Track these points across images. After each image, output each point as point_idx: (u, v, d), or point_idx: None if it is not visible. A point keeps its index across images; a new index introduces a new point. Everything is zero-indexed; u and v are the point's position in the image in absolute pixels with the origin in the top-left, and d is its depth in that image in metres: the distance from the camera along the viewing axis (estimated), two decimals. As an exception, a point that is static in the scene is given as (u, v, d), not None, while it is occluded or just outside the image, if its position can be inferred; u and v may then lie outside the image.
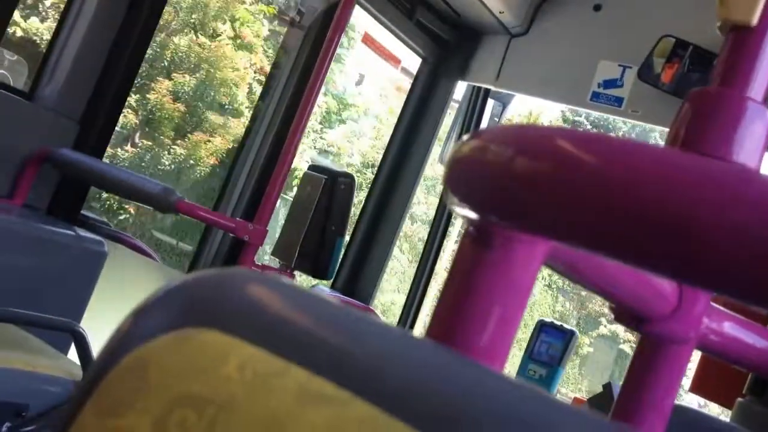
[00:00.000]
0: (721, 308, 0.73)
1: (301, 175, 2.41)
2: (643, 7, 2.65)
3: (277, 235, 2.30)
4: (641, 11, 2.65)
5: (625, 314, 0.67)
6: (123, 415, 0.31)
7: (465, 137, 0.46)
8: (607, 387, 1.87)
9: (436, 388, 0.30)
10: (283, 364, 0.30)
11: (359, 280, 2.94)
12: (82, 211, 2.24)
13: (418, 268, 3.09)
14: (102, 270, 2.05)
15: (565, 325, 2.18)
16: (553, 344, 2.13)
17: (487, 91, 3.07)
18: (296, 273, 2.14)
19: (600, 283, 0.60)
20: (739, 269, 0.35)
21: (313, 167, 2.22)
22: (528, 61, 2.86)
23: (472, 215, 0.46)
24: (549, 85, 2.82)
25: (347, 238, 2.57)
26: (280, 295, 0.34)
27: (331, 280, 2.86)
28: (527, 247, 0.49)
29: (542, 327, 2.17)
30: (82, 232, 2.03)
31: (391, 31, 2.95)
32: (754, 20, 0.69)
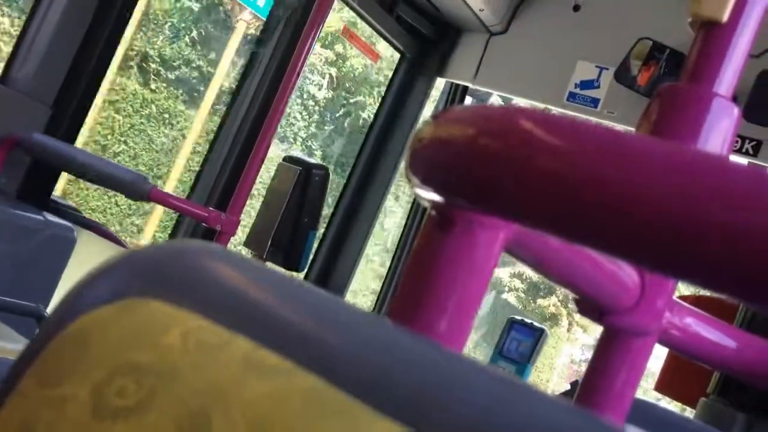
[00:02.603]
0: (684, 304, 0.73)
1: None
2: (621, 8, 2.67)
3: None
4: (620, 13, 2.66)
5: (587, 306, 0.67)
6: (62, 384, 0.30)
7: (428, 118, 0.46)
8: (575, 384, 1.88)
9: (384, 361, 0.30)
10: (228, 335, 0.30)
11: (332, 273, 2.93)
12: (53, 197, 2.21)
13: (394, 255, 3.09)
14: (71, 256, 2.03)
15: (536, 323, 2.19)
16: (523, 342, 2.14)
17: (466, 89, 3.07)
18: (268, 264, 2.13)
19: (562, 273, 0.60)
20: (706, 255, 0.35)
21: (288, 158, 2.21)
22: (506, 59, 2.87)
23: (434, 197, 0.46)
24: (526, 84, 2.83)
25: (321, 230, 2.56)
26: (229, 266, 0.34)
27: (304, 273, 2.84)
28: (489, 232, 0.49)
29: (513, 324, 2.18)
30: (52, 218, 2.00)
31: (371, 26, 2.95)
32: (725, 17, 0.69)
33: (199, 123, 8.09)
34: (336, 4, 2.40)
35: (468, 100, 3.10)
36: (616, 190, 0.37)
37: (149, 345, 0.30)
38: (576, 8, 2.75)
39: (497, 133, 0.41)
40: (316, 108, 9.57)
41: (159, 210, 7.67)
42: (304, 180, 2.10)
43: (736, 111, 0.70)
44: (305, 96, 9.22)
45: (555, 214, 0.39)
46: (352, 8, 2.84)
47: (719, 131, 0.68)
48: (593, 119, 2.76)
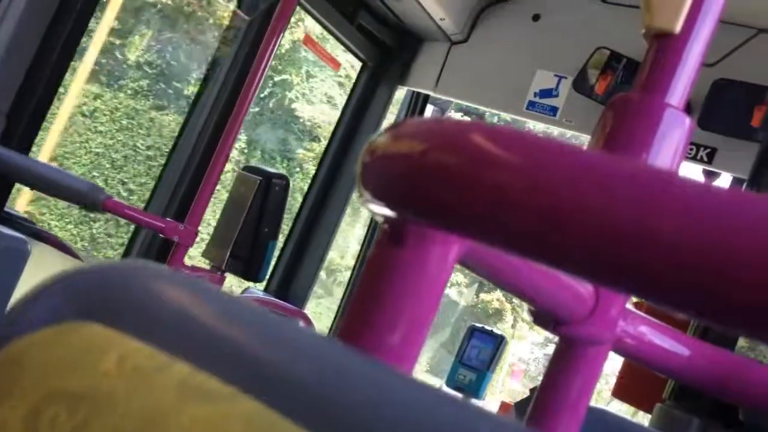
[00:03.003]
0: (638, 312, 0.74)
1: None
2: (580, 18, 2.70)
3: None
4: (578, 22, 2.69)
5: (542, 316, 0.67)
6: None
7: (380, 130, 0.46)
8: (534, 391, 1.89)
9: (329, 384, 0.29)
10: (167, 359, 0.29)
11: (293, 283, 2.91)
12: (6, 208, 2.16)
13: (352, 271, 3.08)
14: (24, 269, 1.98)
15: (495, 330, 2.20)
16: (483, 349, 2.14)
17: (427, 97, 3.08)
18: (227, 275, 2.11)
19: (517, 285, 0.60)
20: (655, 271, 0.35)
21: (248, 168, 2.20)
22: (467, 68, 2.89)
23: (386, 212, 0.45)
24: (487, 93, 2.85)
25: (281, 240, 2.55)
26: (172, 288, 0.33)
27: (265, 283, 2.82)
28: (441, 246, 0.49)
29: (473, 332, 2.18)
30: (4, 230, 1.95)
31: (332, 34, 2.94)
32: (677, 28, 0.70)
33: (76, 89, 7.34)
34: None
35: (429, 109, 3.11)
36: (567, 206, 0.37)
37: (85, 370, 0.29)
38: (535, 18, 2.78)
39: (448, 148, 0.41)
40: (240, 89, 8.93)
41: (28, 193, 7.01)
42: (264, 189, 2.08)
43: (687, 121, 0.70)
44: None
45: (505, 231, 0.38)
46: (313, 17, 2.84)
47: (671, 141, 0.69)
48: (552, 127, 2.79)
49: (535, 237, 0.38)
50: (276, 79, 9.22)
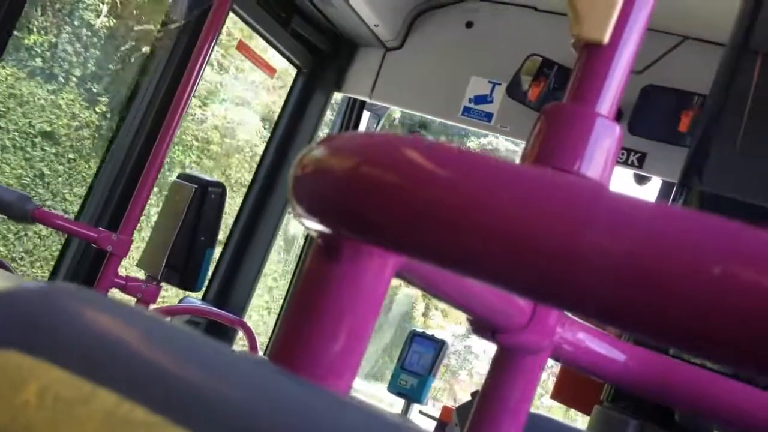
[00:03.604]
0: (575, 318, 0.74)
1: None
2: (512, 25, 2.74)
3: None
4: (511, 30, 2.73)
5: (480, 325, 0.68)
6: None
7: (312, 144, 0.45)
8: (475, 395, 1.90)
9: (262, 411, 0.28)
10: (90, 388, 0.28)
11: (231, 292, 2.88)
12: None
13: (289, 285, 3.06)
14: (-52, 283, 1.91)
15: (437, 335, 2.21)
16: (424, 354, 2.15)
17: (363, 104, 3.08)
18: (163, 285, 2.07)
19: (455, 297, 0.60)
20: (585, 288, 0.35)
21: (183, 176, 2.16)
22: (402, 74, 2.90)
23: (319, 227, 0.45)
24: (422, 99, 2.86)
25: (218, 248, 2.51)
26: (98, 312, 0.32)
27: (202, 292, 2.78)
28: (378, 260, 0.48)
29: (414, 337, 2.19)
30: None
31: (266, 40, 2.92)
32: (606, 38, 0.71)
33: None
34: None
35: (365, 115, 3.11)
36: (499, 223, 0.36)
37: (3, 402, 0.28)
38: (469, 25, 2.81)
39: (380, 163, 0.40)
40: (95, 41, 7.15)
41: None
42: (200, 197, 2.05)
43: (617, 130, 0.72)
44: (77, 23, 6.95)
45: (438, 247, 0.38)
46: (246, 22, 2.81)
47: (602, 150, 0.70)
48: (488, 133, 2.82)
49: (468, 254, 0.38)
50: (137, 28, 7.75)
